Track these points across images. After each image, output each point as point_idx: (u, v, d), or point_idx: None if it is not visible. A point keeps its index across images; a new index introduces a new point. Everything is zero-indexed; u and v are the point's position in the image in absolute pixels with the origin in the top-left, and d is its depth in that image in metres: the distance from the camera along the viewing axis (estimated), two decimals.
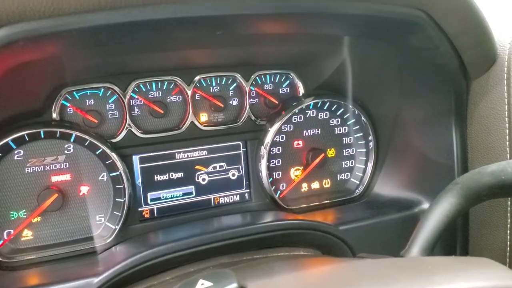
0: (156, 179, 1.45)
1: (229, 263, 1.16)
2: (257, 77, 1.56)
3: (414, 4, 1.10)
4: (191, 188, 1.49)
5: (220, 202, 1.53)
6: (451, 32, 1.17)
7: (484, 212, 1.31)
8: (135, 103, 1.42)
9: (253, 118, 1.55)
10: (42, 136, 1.28)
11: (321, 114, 1.61)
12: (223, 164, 1.52)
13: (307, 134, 1.59)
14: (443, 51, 1.21)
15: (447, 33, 1.17)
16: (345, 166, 1.66)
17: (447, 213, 0.98)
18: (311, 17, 1.09)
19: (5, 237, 1.27)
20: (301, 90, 1.61)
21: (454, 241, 1.37)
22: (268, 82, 1.58)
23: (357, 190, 1.65)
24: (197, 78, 1.47)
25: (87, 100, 1.36)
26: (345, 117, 1.63)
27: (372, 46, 1.36)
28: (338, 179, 1.66)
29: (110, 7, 0.83)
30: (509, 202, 1.25)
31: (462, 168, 1.35)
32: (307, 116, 1.59)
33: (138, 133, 1.41)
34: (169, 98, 1.46)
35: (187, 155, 1.48)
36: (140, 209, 1.43)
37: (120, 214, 1.36)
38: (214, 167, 1.52)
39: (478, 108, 1.31)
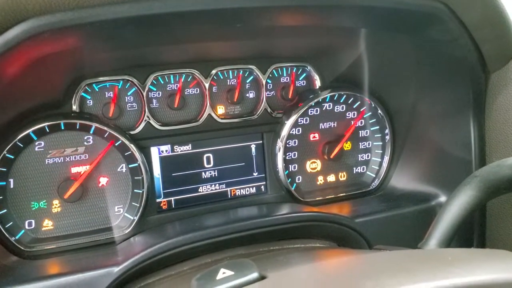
0: (173, 171, 1.46)
1: (245, 254, 1.16)
2: (273, 70, 1.56)
3: None
4: (208, 180, 1.50)
5: (237, 194, 1.54)
6: (471, 25, 1.16)
7: (501, 204, 1.31)
8: (153, 95, 1.43)
9: (269, 110, 1.56)
10: (62, 128, 1.30)
11: (337, 107, 1.61)
12: (240, 156, 1.53)
13: (323, 127, 1.59)
14: (462, 44, 1.20)
15: (466, 26, 1.16)
16: (361, 159, 1.66)
17: (465, 206, 0.98)
18: (331, 9, 1.09)
19: (26, 227, 1.30)
20: (318, 83, 1.61)
21: (471, 233, 1.36)
22: (285, 75, 1.58)
23: (373, 183, 1.65)
24: (214, 71, 1.48)
25: (106, 92, 1.38)
26: (361, 110, 1.63)
27: (390, 39, 1.36)
28: (354, 172, 1.66)
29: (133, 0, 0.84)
30: None
31: (480, 161, 1.34)
32: (324, 109, 1.59)
33: (156, 125, 1.43)
34: (187, 90, 1.47)
35: (205, 147, 1.49)
36: (158, 200, 1.44)
37: (138, 205, 1.37)
38: (231, 159, 1.52)
39: (496, 101, 1.30)
